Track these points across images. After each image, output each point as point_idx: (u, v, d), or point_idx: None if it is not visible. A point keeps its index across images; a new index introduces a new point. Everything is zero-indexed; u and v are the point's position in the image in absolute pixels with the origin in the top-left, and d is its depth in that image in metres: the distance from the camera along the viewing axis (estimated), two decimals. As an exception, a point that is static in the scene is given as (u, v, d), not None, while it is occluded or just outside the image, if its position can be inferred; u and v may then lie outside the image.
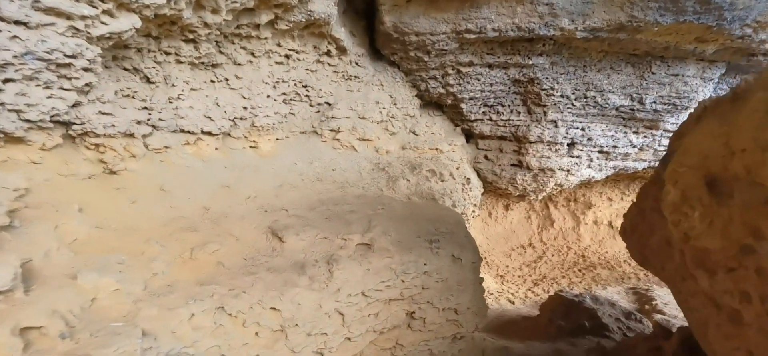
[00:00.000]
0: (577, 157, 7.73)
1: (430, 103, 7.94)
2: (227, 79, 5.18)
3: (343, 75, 6.32)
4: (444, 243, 3.73)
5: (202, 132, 4.84)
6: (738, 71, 6.74)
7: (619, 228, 11.20)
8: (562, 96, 7.01)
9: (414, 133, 6.69)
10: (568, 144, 7.62)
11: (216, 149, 5.02)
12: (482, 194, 8.45)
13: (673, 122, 7.35)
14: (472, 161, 8.33)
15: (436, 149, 6.43)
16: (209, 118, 4.99)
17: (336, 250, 3.70)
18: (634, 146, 7.70)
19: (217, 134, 4.99)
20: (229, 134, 5.27)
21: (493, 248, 11.31)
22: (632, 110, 7.03)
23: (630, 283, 9.57)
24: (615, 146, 7.66)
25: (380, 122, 6.32)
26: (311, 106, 6.11)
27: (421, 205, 4.36)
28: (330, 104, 6.16)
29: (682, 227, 2.26)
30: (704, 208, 2.06)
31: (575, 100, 7.03)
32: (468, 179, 7.26)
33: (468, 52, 6.34)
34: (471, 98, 7.45)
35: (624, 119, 7.32)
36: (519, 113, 7.57)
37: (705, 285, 2.25)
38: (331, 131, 5.96)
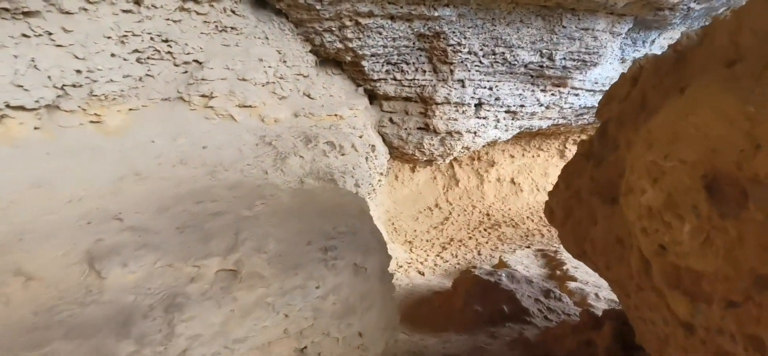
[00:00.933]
0: (484, 118, 7.31)
1: (328, 60, 7.01)
2: (50, 34, 3.87)
3: (217, 26, 5.18)
4: (343, 248, 2.84)
5: (9, 106, 3.53)
6: (643, 27, 6.61)
7: (519, 186, 11.18)
8: (469, 53, 6.44)
9: (309, 96, 5.75)
10: (476, 105, 7.14)
11: (35, 128, 3.73)
12: (388, 160, 7.80)
13: (580, 79, 7.15)
14: (377, 125, 7.60)
15: (336, 115, 5.57)
16: (21, 86, 3.67)
17: (184, 285, 2.58)
18: (541, 105, 7.43)
19: (35, 109, 3.69)
20: (58, 108, 3.98)
21: (401, 212, 10.87)
22: (541, 67, 6.66)
23: (534, 240, 9.65)
24: (522, 106, 7.34)
25: (266, 84, 5.29)
26: (176, 65, 4.91)
27: (315, 192, 3.48)
28: (200, 63, 5.00)
29: (657, 238, 1.67)
30: (700, 220, 1.46)
31: (483, 57, 6.50)
32: (373, 146, 6.51)
33: (368, 1, 5.46)
34: (373, 55, 6.63)
35: (532, 76, 6.96)
36: (424, 71, 6.91)
37: (682, 313, 1.69)
38: (203, 96, 4.83)
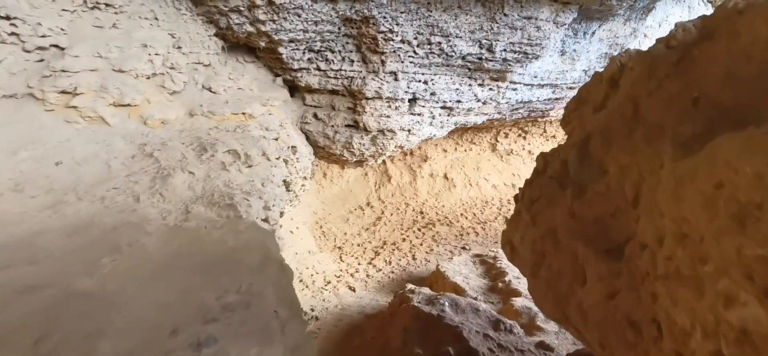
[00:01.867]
0: (419, 114, 6.60)
1: (238, 45, 5.96)
2: None
3: (86, 2, 4.04)
4: (229, 339, 1.74)
5: None
6: (585, 17, 6.17)
7: (452, 181, 10.67)
8: (402, 41, 5.67)
9: (210, 90, 4.72)
10: (410, 100, 6.41)
11: None
12: (313, 161, 6.90)
13: (520, 73, 6.62)
14: (299, 121, 6.67)
15: (244, 113, 4.58)
16: None
17: None
18: (479, 100, 6.84)
19: None
20: None
21: (330, 213, 10.01)
22: (480, 59, 6.04)
23: (468, 240, 9.20)
24: (459, 101, 6.71)
25: (152, 76, 4.20)
26: (26, 52, 3.72)
27: (200, 233, 2.51)
28: (61, 49, 3.83)
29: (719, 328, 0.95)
30: None
31: (418, 47, 5.76)
32: (293, 147, 5.59)
33: (281, -23, 4.53)
34: (291, 41, 5.69)
35: (470, 69, 6.33)
36: (352, 61, 6.06)
37: None
38: (63, 93, 3.68)
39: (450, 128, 7.40)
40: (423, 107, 6.52)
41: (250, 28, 5.27)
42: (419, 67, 6.04)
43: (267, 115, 4.95)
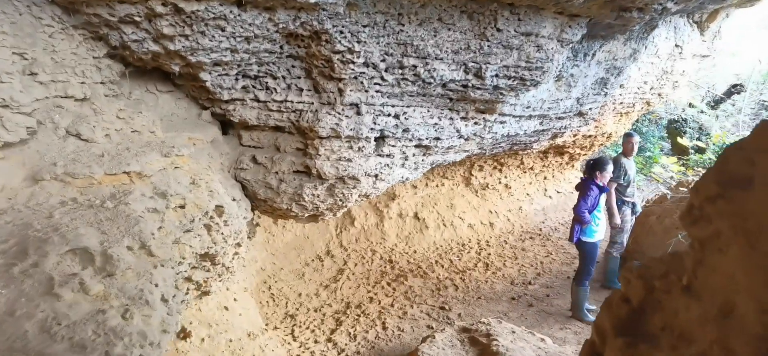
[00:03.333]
0: (389, 155, 5.21)
1: (147, 71, 4.46)
2: None
3: None
4: None
5: None
6: (591, 35, 4.99)
7: (424, 222, 9.30)
8: (366, 65, 4.29)
9: (78, 137, 3.15)
10: (376, 139, 5.01)
11: None
12: (251, 219, 5.36)
13: (512, 104, 5.35)
14: (233, 166, 5.15)
15: (129, 172, 3.03)
16: None
17: None
18: (461, 137, 5.51)
19: None
20: None
21: (281, 268, 8.41)
22: (466, 86, 4.73)
23: (448, 296, 7.80)
24: (438, 139, 5.36)
25: (-34, 121, 2.63)
26: None
27: None
28: None
29: None
30: None
31: (386, 71, 4.40)
32: (219, 208, 4.08)
33: (186, -31, 3.09)
34: (217, 64, 4.22)
35: (451, 99, 5.01)
36: (301, 90, 4.63)
37: None
38: None
39: (426, 168, 6.04)
40: (393, 146, 5.13)
41: (155, 47, 3.77)
42: (388, 97, 4.67)
43: (171, 169, 3.42)
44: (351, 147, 4.82)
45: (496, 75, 4.68)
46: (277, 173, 5.03)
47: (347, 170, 4.89)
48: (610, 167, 6.54)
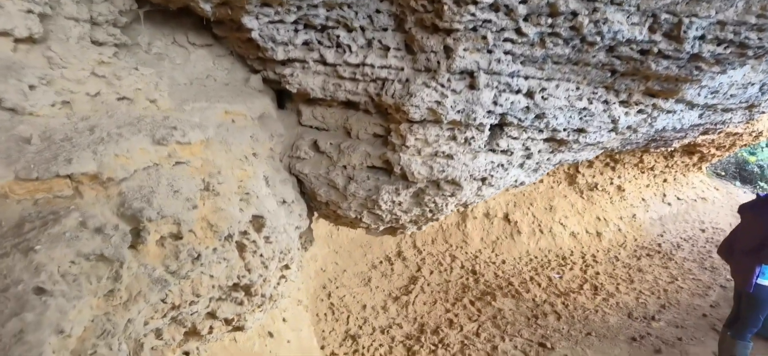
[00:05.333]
0: (506, 152, 3.56)
1: (173, 14, 3.13)
2: None
3: None
4: None
5: None
6: None
7: (516, 225, 7.47)
8: (495, 7, 2.67)
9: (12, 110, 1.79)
10: (493, 126, 3.37)
11: None
12: (307, 226, 3.93)
13: (703, 85, 3.49)
14: (287, 153, 3.73)
15: (86, 177, 1.61)
16: None
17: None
18: (615, 130, 3.73)
19: None
20: None
21: (344, 269, 7.06)
22: (646, 53, 2.95)
23: (548, 325, 6.09)
24: (581, 130, 3.62)
25: None
26: None
27: None
28: None
29: None
30: None
31: (527, 19, 2.74)
32: (258, 218, 2.69)
33: None
34: (265, 2, 2.79)
35: (613, 72, 3.24)
36: (387, 48, 3.09)
37: None
38: None
39: (547, 170, 4.33)
40: (514, 139, 3.46)
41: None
42: (522, 63, 3.00)
43: (167, 167, 1.99)
44: (455, 138, 3.22)
45: (702, 37, 2.86)
46: (345, 167, 3.54)
47: (445, 170, 3.31)
48: None
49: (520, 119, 3.27)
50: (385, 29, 3.07)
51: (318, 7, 2.94)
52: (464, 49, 2.84)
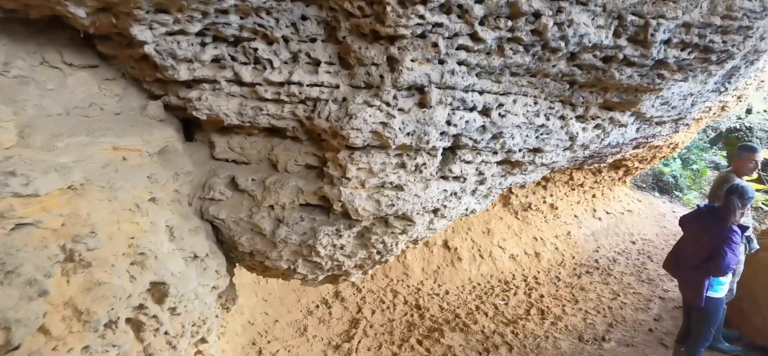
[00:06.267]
0: (459, 178, 3.11)
1: (43, 26, 2.38)
2: None
3: None
4: None
5: None
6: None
7: (456, 252, 7.07)
8: (447, 9, 2.23)
9: None
10: (445, 150, 2.90)
11: None
12: (222, 292, 3.21)
13: (659, 96, 3.27)
14: (199, 195, 3.04)
15: None
16: None
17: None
18: (570, 147, 3.41)
19: None
20: None
21: (276, 320, 6.27)
22: (609, 60, 2.64)
23: (500, 359, 5.71)
24: (538, 151, 3.27)
25: None
26: None
27: None
28: None
29: None
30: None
31: (483, 23, 2.32)
32: (159, 286, 2.01)
33: None
34: (160, 9, 2.15)
35: (572, 85, 2.92)
36: (317, 63, 2.55)
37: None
38: None
39: (495, 195, 3.96)
40: (468, 162, 3.03)
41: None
42: (478, 75, 2.58)
43: (6, 230, 1.32)
44: (404, 165, 2.72)
45: (668, 41, 2.60)
46: (272, 207, 2.92)
47: (395, 204, 2.79)
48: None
49: (475, 141, 2.83)
50: (314, 40, 2.54)
51: (229, 14, 2.35)
52: (412, 60, 2.36)
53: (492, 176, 3.36)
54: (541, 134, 3.10)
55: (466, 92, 2.55)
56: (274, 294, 6.63)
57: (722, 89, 4.72)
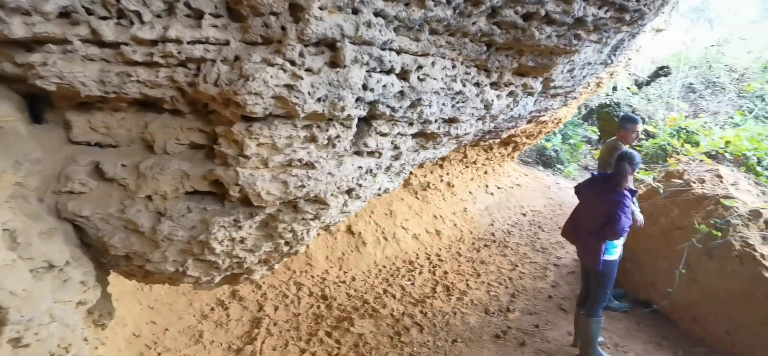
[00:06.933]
0: (376, 153, 2.79)
1: None
2: None
3: None
4: None
5: None
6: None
7: (360, 236, 6.83)
8: None
9: None
10: (360, 120, 2.56)
11: None
12: (105, 289, 2.58)
13: (569, 62, 3.23)
14: (53, 188, 2.37)
15: None
16: None
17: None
18: (485, 116, 3.26)
19: None
20: None
21: (166, 329, 5.50)
22: (529, 18, 2.48)
23: (413, 343, 5.57)
24: (453, 120, 3.06)
25: None
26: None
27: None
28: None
29: None
30: None
31: None
32: (51, 265, 1.42)
33: None
34: None
35: (489, 47, 2.73)
36: (201, 14, 2.05)
37: None
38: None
39: (407, 173, 3.73)
40: (384, 134, 2.72)
41: None
42: (396, 30, 2.26)
43: None
44: (314, 139, 2.33)
45: (587, -4, 2.50)
46: (150, 198, 2.36)
47: (306, 185, 2.39)
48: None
49: (392, 109, 2.53)
50: (198, -16, 2.04)
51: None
52: (321, 8, 1.97)
53: (407, 150, 3.09)
54: (458, 103, 2.88)
55: (384, 49, 2.22)
56: (162, 300, 5.83)
57: (609, 62, 4.94)
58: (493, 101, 3.01)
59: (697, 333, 5.39)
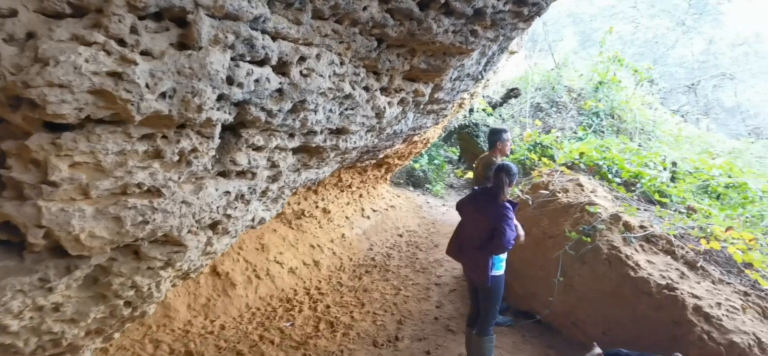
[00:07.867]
0: (248, 173, 2.18)
1: None
2: None
3: None
4: None
5: None
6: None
7: (228, 277, 6.05)
8: None
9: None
10: (225, 128, 1.94)
11: None
12: None
13: (458, 67, 2.96)
14: None
15: None
16: None
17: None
18: (378, 123, 2.85)
19: None
20: None
21: None
22: (426, 6, 2.13)
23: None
24: (341, 131, 2.59)
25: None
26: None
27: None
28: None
29: None
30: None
31: None
32: None
33: None
34: None
35: (379, 43, 2.33)
36: None
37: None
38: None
39: (286, 199, 3.17)
40: (259, 148, 2.14)
41: None
42: (270, 4, 1.72)
43: None
44: (160, 153, 1.67)
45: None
46: None
47: (150, 219, 1.70)
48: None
49: (269, 113, 1.97)
50: None
51: None
52: (162, -38, 1.37)
53: (287, 169, 2.53)
54: (347, 109, 2.42)
55: (256, 30, 1.67)
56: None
57: (479, 78, 4.91)
58: (384, 108, 2.61)
59: (578, 338, 5.55)
